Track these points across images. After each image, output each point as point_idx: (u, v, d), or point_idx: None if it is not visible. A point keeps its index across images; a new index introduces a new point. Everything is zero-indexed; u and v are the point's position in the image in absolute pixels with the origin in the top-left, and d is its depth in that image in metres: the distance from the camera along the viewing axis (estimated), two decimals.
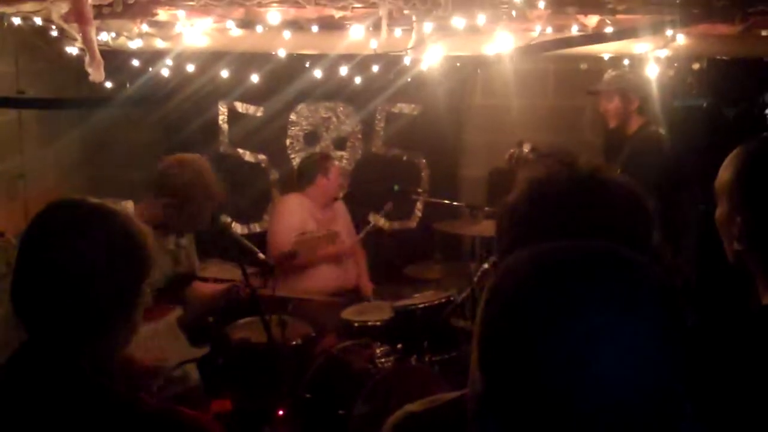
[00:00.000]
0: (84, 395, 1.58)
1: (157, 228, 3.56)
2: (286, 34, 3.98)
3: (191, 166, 3.83)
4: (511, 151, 4.43)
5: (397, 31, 3.35)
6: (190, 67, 4.88)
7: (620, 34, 3.61)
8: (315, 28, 3.75)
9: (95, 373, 1.61)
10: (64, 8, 2.43)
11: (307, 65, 5.20)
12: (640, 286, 0.99)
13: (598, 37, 3.65)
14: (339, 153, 6.55)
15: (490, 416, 1.02)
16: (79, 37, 2.61)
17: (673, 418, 0.97)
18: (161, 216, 3.72)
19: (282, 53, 4.28)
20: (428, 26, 3.08)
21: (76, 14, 2.46)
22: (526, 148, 4.39)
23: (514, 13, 3.08)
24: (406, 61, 3.43)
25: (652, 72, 4.65)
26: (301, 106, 6.44)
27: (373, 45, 3.53)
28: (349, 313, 5.07)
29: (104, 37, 3.74)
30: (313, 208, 5.50)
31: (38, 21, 3.23)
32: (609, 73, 4.90)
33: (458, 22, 3.12)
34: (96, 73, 2.75)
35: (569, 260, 1.02)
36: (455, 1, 2.97)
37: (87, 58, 2.75)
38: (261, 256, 3.41)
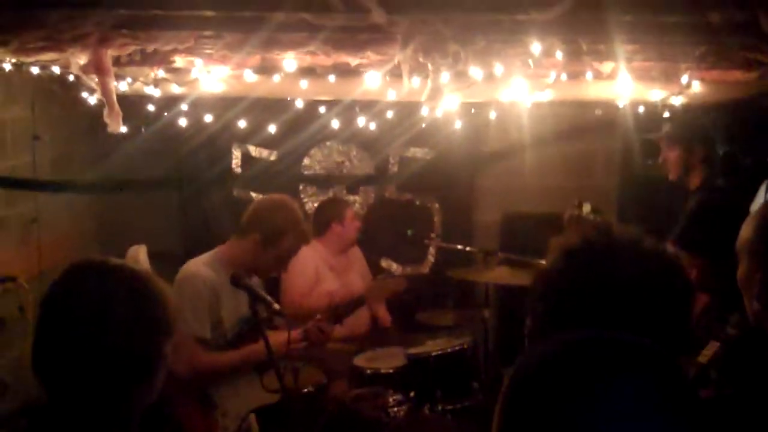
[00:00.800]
0: None
1: (243, 269, 3.57)
2: (303, 82, 4.00)
3: (286, 207, 3.88)
4: (570, 212, 4.34)
5: (415, 81, 3.35)
6: (207, 115, 4.91)
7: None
8: (332, 78, 3.75)
9: None
10: (83, 59, 2.43)
11: (322, 110, 5.23)
12: (662, 393, 0.98)
13: None
14: (352, 197, 6.54)
15: None
16: (98, 87, 2.62)
17: None
18: (250, 255, 3.77)
19: (299, 104, 4.30)
20: (445, 76, 3.08)
21: (95, 65, 2.47)
22: (585, 209, 4.30)
23: (531, 62, 3.08)
24: (424, 112, 3.42)
25: (667, 119, 4.65)
26: (314, 150, 6.45)
27: (392, 96, 3.54)
28: (361, 360, 5.02)
29: (123, 86, 3.75)
30: (327, 256, 5.49)
31: (56, 70, 3.25)
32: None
33: (476, 72, 3.12)
34: (114, 123, 2.75)
35: (595, 362, 1.01)
36: (470, 51, 2.97)
37: (105, 109, 2.75)
38: (276, 306, 3.36)
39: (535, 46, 2.79)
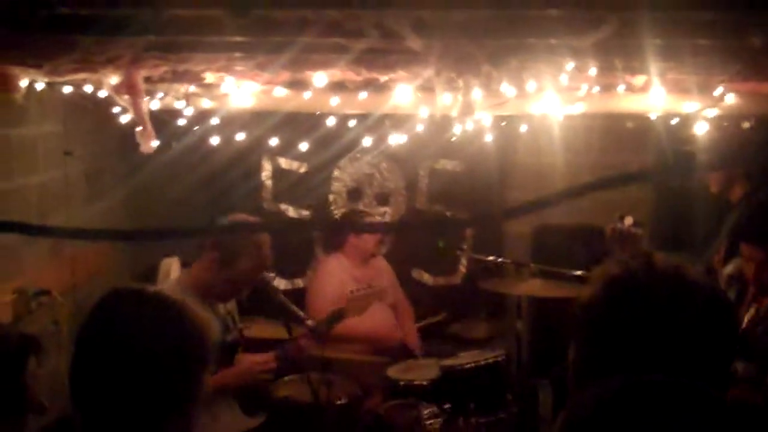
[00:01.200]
0: None
1: (204, 293, 3.50)
2: (333, 99, 4.00)
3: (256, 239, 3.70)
4: (611, 226, 4.29)
5: (446, 97, 3.34)
6: (237, 130, 4.93)
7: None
8: (364, 95, 3.75)
9: None
10: (115, 79, 2.45)
11: (351, 124, 5.23)
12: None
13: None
14: (382, 209, 6.54)
15: None
16: (129, 107, 2.63)
17: None
18: (208, 275, 3.60)
19: (330, 118, 4.29)
20: (477, 93, 3.06)
21: (128, 86, 2.48)
22: (627, 222, 4.26)
23: (564, 78, 3.06)
24: (456, 129, 3.41)
25: (700, 130, 4.58)
26: (344, 162, 6.45)
27: (423, 112, 3.53)
28: (394, 371, 5.02)
29: (155, 105, 3.78)
30: (351, 268, 5.50)
31: (88, 89, 3.27)
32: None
33: (509, 90, 3.11)
34: (146, 144, 2.77)
35: (654, 407, 1.00)
36: (502, 67, 2.96)
37: (138, 129, 2.76)
38: (309, 323, 3.36)
39: (569, 65, 2.77)
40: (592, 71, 2.93)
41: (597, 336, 1.38)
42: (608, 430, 0.98)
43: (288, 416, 4.50)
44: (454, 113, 3.63)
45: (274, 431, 4.42)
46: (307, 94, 4.02)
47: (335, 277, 5.46)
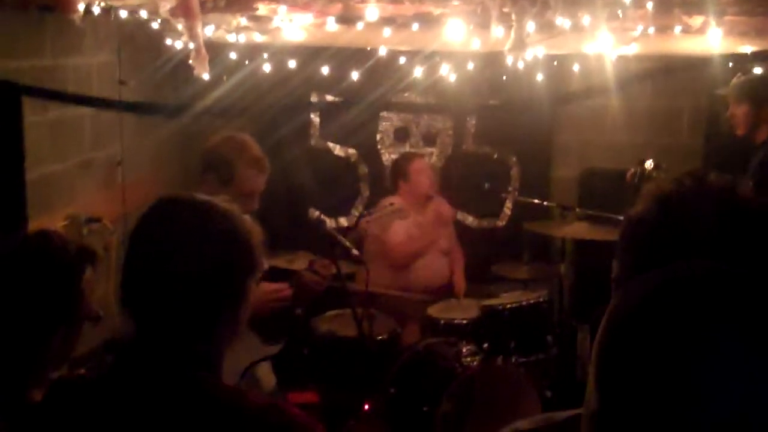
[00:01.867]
0: (190, 391, 1.59)
1: None
2: (385, 31, 3.98)
3: (230, 138, 3.59)
4: (633, 169, 4.26)
5: (498, 30, 3.30)
6: (287, 64, 4.92)
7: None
8: (415, 26, 3.72)
9: (202, 369, 1.63)
10: (171, 3, 2.47)
11: (402, 61, 5.20)
12: None
13: None
14: (429, 149, 6.52)
15: None
16: (185, 32, 2.65)
17: None
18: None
19: (382, 51, 4.25)
20: (531, 26, 3.02)
21: (183, 9, 2.50)
22: (648, 165, 4.23)
23: (620, 13, 3.01)
24: (508, 61, 3.37)
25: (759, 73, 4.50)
26: (392, 101, 6.41)
27: (476, 45, 3.49)
28: (435, 310, 5.06)
29: (208, 32, 3.78)
30: (409, 210, 5.48)
31: (144, 14, 3.29)
32: (738, 77, 4.62)
33: (563, 22, 3.06)
34: (200, 67, 2.79)
35: (700, 288, 0.96)
36: (557, 1, 2.92)
37: (192, 53, 2.79)
38: (355, 252, 3.35)
39: None
40: (650, 5, 2.88)
41: (644, 251, 1.37)
42: (654, 321, 0.96)
43: (329, 350, 4.58)
44: (506, 48, 3.60)
45: (315, 365, 4.50)
46: (358, 28, 3.99)
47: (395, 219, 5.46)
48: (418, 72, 4.94)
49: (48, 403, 1.71)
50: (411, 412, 4.36)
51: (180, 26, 2.67)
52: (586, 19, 3.13)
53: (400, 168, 5.60)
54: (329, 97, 6.34)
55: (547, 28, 3.26)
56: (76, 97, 3.73)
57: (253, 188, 3.45)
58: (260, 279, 1.77)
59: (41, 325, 1.95)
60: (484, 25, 3.42)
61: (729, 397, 0.89)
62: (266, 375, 3.74)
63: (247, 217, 1.75)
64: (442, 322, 4.92)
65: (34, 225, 4.17)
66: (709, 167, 5.48)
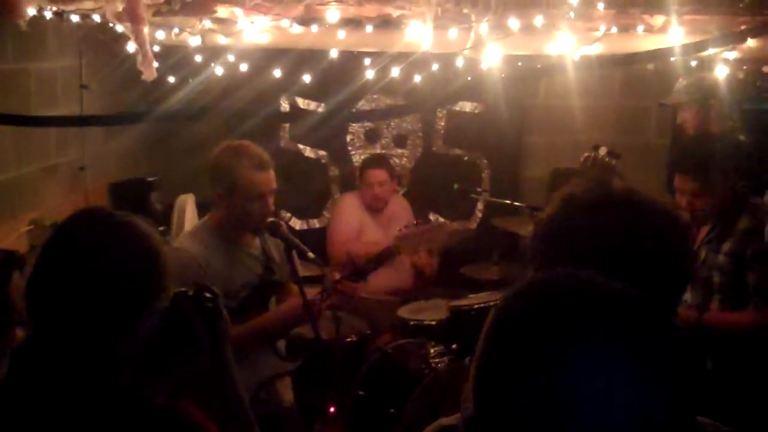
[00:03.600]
0: (81, 398, 1.61)
1: (233, 228, 3.42)
2: (344, 32, 3.97)
3: (226, 147, 3.41)
4: (587, 154, 4.29)
5: (452, 32, 3.30)
6: (254, 67, 4.90)
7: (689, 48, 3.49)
8: (369, 28, 3.72)
9: (97, 377, 1.64)
10: (119, 7, 2.45)
11: (367, 62, 5.19)
12: (641, 334, 0.96)
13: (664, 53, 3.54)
14: (399, 151, 6.53)
15: None
16: (131, 35, 2.64)
17: None
18: (227, 211, 3.36)
19: (334, 53, 4.22)
20: (484, 27, 3.03)
21: (129, 13, 2.48)
22: (602, 152, 4.26)
23: (572, 14, 3.01)
24: (459, 62, 3.37)
25: (721, 73, 4.52)
26: (362, 103, 6.41)
27: (426, 45, 3.49)
28: (405, 312, 5.06)
29: (160, 35, 3.76)
30: (368, 209, 5.50)
31: (96, 19, 3.27)
32: (680, 83, 4.65)
33: (513, 23, 3.07)
34: (147, 71, 2.77)
35: (571, 300, 0.99)
36: (512, 2, 2.92)
37: (139, 57, 2.77)
38: (311, 255, 3.30)
39: None
40: (600, 6, 2.89)
41: (548, 250, 1.40)
42: (526, 325, 0.98)
43: (297, 353, 4.55)
44: (467, 48, 3.61)
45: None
46: (319, 31, 3.98)
47: (353, 212, 5.48)
48: (382, 74, 4.94)
49: None
50: (378, 414, 4.36)
51: (126, 30, 2.65)
52: (538, 20, 3.13)
53: (359, 172, 5.64)
54: (299, 100, 6.33)
55: (502, 29, 3.27)
56: (36, 119, 3.69)
57: (261, 190, 3.32)
58: None
59: None
60: (443, 27, 3.42)
61: (592, 404, 0.91)
62: (285, 391, 3.68)
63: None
64: (412, 323, 4.92)
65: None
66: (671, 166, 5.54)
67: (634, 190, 1.44)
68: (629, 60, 3.54)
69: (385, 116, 6.11)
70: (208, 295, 1.85)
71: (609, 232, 1.36)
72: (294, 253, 3.29)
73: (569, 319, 0.96)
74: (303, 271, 3.51)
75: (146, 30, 2.62)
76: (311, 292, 3.43)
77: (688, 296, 3.48)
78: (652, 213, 1.40)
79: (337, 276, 3.79)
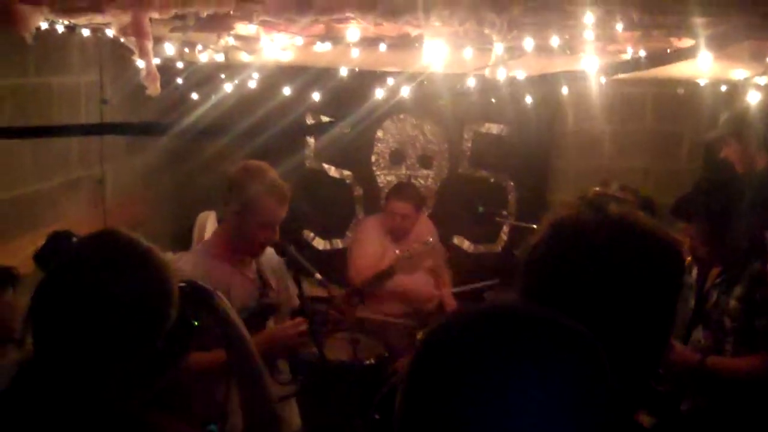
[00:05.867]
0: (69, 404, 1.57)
1: (239, 248, 3.38)
2: (364, 51, 3.93)
3: (253, 168, 3.42)
4: (596, 189, 4.21)
5: (468, 52, 3.24)
6: (280, 85, 4.88)
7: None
8: (382, 47, 3.68)
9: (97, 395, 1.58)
10: (125, 21, 2.42)
11: (391, 82, 5.14)
12: (563, 370, 0.94)
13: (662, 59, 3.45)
14: (425, 172, 6.46)
15: None
16: (136, 49, 2.61)
17: None
18: (237, 230, 3.36)
19: (343, 71, 4.18)
20: (499, 47, 2.96)
21: (134, 27, 2.45)
22: (613, 187, 4.16)
23: (591, 34, 2.93)
24: (470, 82, 3.31)
25: (752, 99, 4.41)
26: (387, 123, 6.37)
27: (457, 66, 3.44)
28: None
29: (170, 50, 3.74)
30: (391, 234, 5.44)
31: (110, 33, 3.26)
32: (722, 117, 4.60)
33: (528, 43, 3.00)
34: (152, 87, 2.74)
35: (497, 336, 0.97)
36: (530, 26, 2.86)
37: (143, 72, 2.75)
38: (318, 276, 3.25)
39: (588, 17, 2.64)
40: (619, 26, 2.81)
41: (533, 276, 1.34)
42: (448, 355, 0.97)
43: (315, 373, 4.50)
44: (487, 71, 3.54)
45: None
46: (340, 49, 3.95)
47: (375, 235, 5.42)
48: (408, 95, 4.88)
49: None
50: None
51: (131, 44, 2.62)
52: (554, 40, 3.06)
53: (385, 198, 5.58)
54: (324, 119, 6.29)
55: (518, 50, 3.20)
56: (52, 128, 3.68)
57: (271, 219, 3.33)
58: None
59: None
60: (461, 46, 3.36)
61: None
62: (291, 415, 3.66)
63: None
64: None
65: (18, 243, 4.14)
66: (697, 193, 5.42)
67: (629, 216, 1.36)
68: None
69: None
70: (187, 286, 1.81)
71: (593, 259, 1.30)
72: (300, 275, 3.25)
73: (482, 348, 0.96)
74: (312, 291, 3.48)
75: (150, 45, 2.60)
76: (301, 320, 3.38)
77: (700, 336, 3.40)
78: (643, 241, 1.33)
79: (336, 297, 3.74)
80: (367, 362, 4.63)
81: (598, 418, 0.94)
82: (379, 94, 4.63)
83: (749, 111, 4.47)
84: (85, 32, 3.39)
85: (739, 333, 3.26)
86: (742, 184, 3.52)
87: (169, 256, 1.86)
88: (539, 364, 0.93)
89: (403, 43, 3.85)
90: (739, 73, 4.26)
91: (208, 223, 5.26)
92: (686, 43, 3.97)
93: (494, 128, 6.35)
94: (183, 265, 3.27)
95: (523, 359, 0.93)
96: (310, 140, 6.41)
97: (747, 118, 4.45)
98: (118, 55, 4.49)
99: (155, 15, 2.47)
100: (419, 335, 4.85)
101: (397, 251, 4.64)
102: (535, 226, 5.27)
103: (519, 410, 0.91)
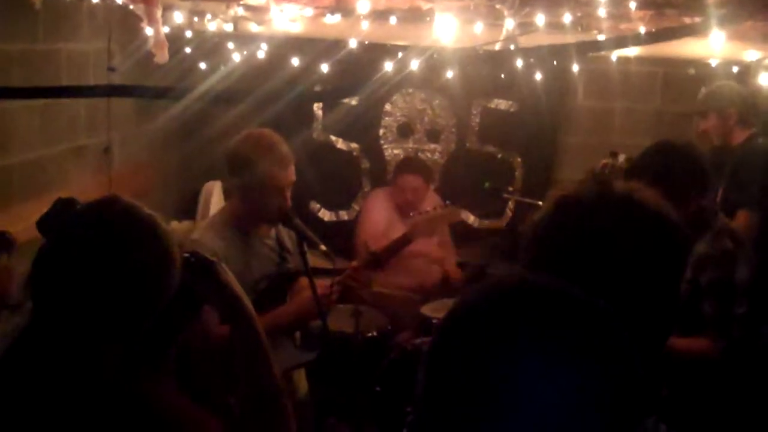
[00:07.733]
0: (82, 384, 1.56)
1: (249, 219, 3.37)
2: (377, 26, 3.92)
3: (249, 136, 3.33)
4: (604, 161, 4.19)
5: (478, 26, 3.23)
6: (289, 57, 4.85)
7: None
8: (393, 20, 3.66)
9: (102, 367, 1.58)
10: None
11: (401, 55, 5.11)
12: (581, 339, 0.94)
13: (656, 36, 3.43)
14: (432, 146, 6.45)
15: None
16: (144, 17, 2.60)
17: None
18: (244, 202, 3.31)
19: (353, 43, 4.15)
20: (510, 23, 2.95)
21: None
22: (620, 159, 4.15)
23: (603, 12, 2.92)
24: (511, 68, 3.30)
25: (764, 80, 4.39)
26: (396, 97, 6.35)
27: (466, 39, 3.42)
28: (427, 310, 4.99)
29: (179, 18, 3.73)
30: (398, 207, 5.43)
31: (119, 0, 3.25)
32: (701, 92, 4.69)
33: (540, 19, 2.98)
34: (160, 54, 2.73)
35: (511, 303, 0.98)
36: (542, 1, 2.84)
37: (151, 39, 2.73)
38: (323, 247, 3.23)
39: None
40: (632, 5, 2.79)
41: (535, 254, 1.34)
42: (473, 331, 0.97)
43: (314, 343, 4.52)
44: (497, 45, 3.53)
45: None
46: (349, 22, 3.93)
47: (381, 208, 5.42)
48: (416, 69, 4.86)
49: None
50: (393, 411, 4.30)
51: (140, 12, 2.61)
52: (566, 17, 3.04)
53: (394, 173, 5.58)
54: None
55: (533, 26, 3.19)
56: (62, 89, 3.67)
57: (280, 184, 3.25)
58: None
59: None
60: (472, 21, 3.35)
61: (528, 409, 0.91)
62: (300, 382, 3.65)
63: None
64: (435, 321, 4.84)
65: (22, 208, 4.16)
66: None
67: (636, 191, 1.36)
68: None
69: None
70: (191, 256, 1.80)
71: (596, 235, 1.30)
72: (305, 244, 3.23)
73: (508, 323, 0.95)
74: (317, 262, 3.47)
75: (159, 12, 2.59)
76: (322, 283, 3.37)
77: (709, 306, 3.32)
78: (647, 220, 1.32)
79: (355, 265, 3.73)
80: (369, 335, 4.65)
81: (627, 390, 0.95)
82: (389, 67, 4.63)
83: (730, 86, 4.58)
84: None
85: (685, 315, 3.15)
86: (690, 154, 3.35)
87: (174, 225, 1.85)
88: (568, 337, 0.93)
89: (414, 17, 3.83)
90: (751, 54, 4.24)
91: (214, 194, 5.28)
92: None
93: (503, 104, 6.32)
94: (204, 237, 3.24)
95: (552, 333, 0.93)
96: (318, 112, 6.38)
97: (726, 93, 4.54)
98: (127, 22, 4.47)
99: None
100: (423, 309, 4.90)
101: (413, 214, 4.56)
102: (540, 203, 5.29)
103: (549, 382, 0.91)
